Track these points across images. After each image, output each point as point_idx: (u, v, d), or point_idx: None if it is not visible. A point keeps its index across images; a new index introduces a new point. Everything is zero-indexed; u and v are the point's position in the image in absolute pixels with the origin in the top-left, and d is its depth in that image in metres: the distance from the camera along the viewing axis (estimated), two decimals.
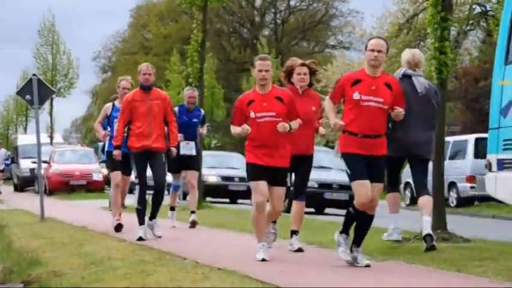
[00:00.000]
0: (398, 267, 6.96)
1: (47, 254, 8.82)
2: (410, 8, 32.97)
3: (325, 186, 18.30)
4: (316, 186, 18.08)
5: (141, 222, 9.57)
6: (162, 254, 7.90)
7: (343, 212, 7.19)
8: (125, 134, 9.74)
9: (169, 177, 11.38)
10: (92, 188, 26.51)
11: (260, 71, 7.53)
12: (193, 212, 11.62)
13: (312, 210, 18.37)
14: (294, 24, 59.48)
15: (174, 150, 9.81)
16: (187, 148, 11.70)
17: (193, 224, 11.37)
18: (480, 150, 21.66)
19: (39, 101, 14.43)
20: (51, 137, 33.88)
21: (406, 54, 8.67)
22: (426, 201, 8.10)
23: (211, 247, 8.68)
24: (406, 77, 8.35)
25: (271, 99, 7.44)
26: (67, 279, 6.85)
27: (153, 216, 9.93)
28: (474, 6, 31.79)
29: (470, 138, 22.01)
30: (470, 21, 32.29)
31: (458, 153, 22.01)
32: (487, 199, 18.58)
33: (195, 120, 12.00)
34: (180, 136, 10.81)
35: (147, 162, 9.56)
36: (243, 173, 9.96)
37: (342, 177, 16.28)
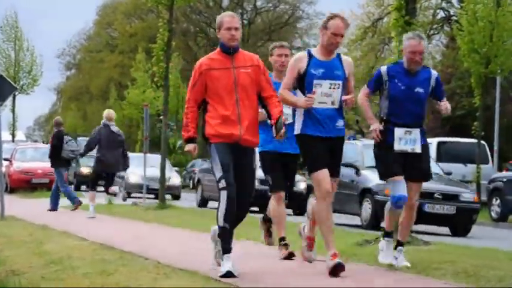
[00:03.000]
0: (360, 269, 7.01)
1: (5, 252, 8.71)
2: (375, 12, 33.26)
3: (425, 196, 13.66)
4: None
5: (228, 248, 6.38)
6: (123, 253, 7.86)
7: (445, 230, 6.32)
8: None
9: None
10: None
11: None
12: None
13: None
14: (260, 25, 59.62)
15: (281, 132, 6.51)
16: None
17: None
18: (442, 153, 21.93)
19: (0, 97, 14.25)
20: (13, 135, 33.51)
21: None
22: None
23: (174, 247, 8.66)
24: None
25: None
26: (26, 278, 6.78)
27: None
28: (438, 11, 32.20)
29: (433, 141, 22.26)
30: (434, 26, 32.69)
31: None
32: None
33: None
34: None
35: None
36: None
37: (446, 186, 14.68)
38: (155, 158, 28.52)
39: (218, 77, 6.50)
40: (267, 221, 8.01)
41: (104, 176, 14.43)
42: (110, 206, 17.49)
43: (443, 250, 8.27)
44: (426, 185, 7.74)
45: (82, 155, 15.54)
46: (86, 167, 29.87)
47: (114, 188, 14.85)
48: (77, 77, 68.28)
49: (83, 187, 30.61)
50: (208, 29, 61.27)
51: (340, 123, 6.65)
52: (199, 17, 60.83)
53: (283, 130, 6.49)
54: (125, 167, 14.91)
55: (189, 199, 23.92)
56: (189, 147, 6.63)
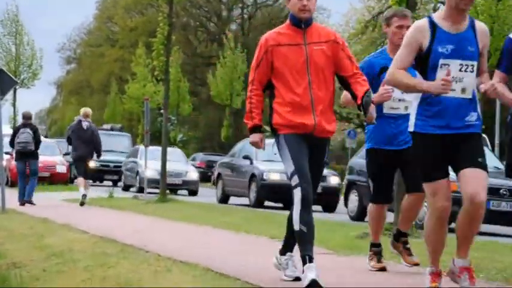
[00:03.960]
0: (360, 262, 7.01)
1: (6, 245, 8.73)
2: (375, 6, 33.24)
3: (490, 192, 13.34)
4: None
5: (309, 253, 5.35)
6: (124, 246, 7.87)
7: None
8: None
9: None
10: (55, 180, 26.26)
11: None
12: None
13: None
14: (260, 19, 59.55)
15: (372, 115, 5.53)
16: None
17: None
18: None
19: (1, 91, 14.27)
20: (13, 129, 33.50)
21: None
22: None
23: (174, 240, 8.67)
24: None
25: None
26: (27, 271, 6.79)
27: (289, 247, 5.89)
28: (438, 5, 32.17)
29: None
30: None
31: None
32: None
33: None
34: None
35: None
36: None
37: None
38: (171, 152, 27.84)
39: (287, 55, 5.43)
40: (399, 241, 6.60)
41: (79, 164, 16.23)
42: (111, 199, 17.51)
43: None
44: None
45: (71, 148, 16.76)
46: (91, 160, 30.06)
47: (83, 181, 16.03)
48: (77, 71, 68.31)
49: (89, 181, 30.53)
50: (208, 23, 61.23)
51: (472, 117, 5.16)
52: (199, 11, 60.78)
53: (372, 110, 5.45)
54: (98, 156, 16.45)
55: (207, 195, 22.91)
56: (254, 137, 5.55)
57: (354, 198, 15.41)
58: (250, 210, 15.09)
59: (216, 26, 59.63)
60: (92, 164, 29.67)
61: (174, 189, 24.32)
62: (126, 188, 26.36)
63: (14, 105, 33.10)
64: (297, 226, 5.35)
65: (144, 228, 10.37)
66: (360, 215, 14.85)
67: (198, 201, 19.42)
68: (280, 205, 18.49)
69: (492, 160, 7.09)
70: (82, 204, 15.07)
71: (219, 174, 20.27)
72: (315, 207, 17.37)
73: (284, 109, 5.45)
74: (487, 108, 25.04)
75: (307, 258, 5.28)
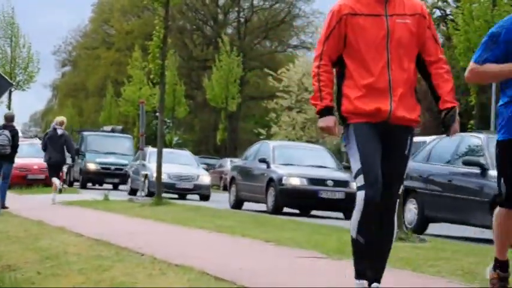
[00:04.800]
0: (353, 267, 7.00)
1: (1, 248, 8.70)
2: None
3: None
4: None
5: (360, 270, 4.68)
6: (119, 249, 7.85)
7: None
8: None
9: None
10: (50, 182, 26.20)
11: None
12: None
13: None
14: (257, 23, 59.64)
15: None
16: None
17: None
18: None
19: None
20: None
21: None
22: None
23: (170, 243, 8.66)
24: None
25: None
26: (21, 274, 6.78)
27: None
28: (434, 10, 32.24)
29: (429, 139, 22.27)
30: None
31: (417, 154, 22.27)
32: None
33: None
34: None
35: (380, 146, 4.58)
36: None
37: None
38: (182, 155, 26.06)
39: (364, 27, 4.53)
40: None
41: (54, 169, 17.47)
42: (106, 202, 17.49)
43: (439, 247, 8.30)
44: None
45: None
46: (92, 163, 29.40)
47: (56, 182, 17.28)
48: (72, 74, 68.30)
49: (89, 184, 29.73)
50: (204, 27, 61.27)
51: None
52: (195, 15, 60.85)
53: (456, 125, 4.60)
54: (72, 160, 18.13)
55: (220, 200, 21.20)
56: (326, 121, 4.55)
57: (412, 207, 12.87)
58: (246, 213, 15.08)
59: (212, 29, 59.68)
60: (93, 166, 29.47)
61: (183, 193, 23.32)
62: (133, 192, 23.99)
63: (9, 107, 33.03)
64: (353, 233, 4.54)
65: (139, 231, 10.35)
66: (420, 227, 12.40)
67: (195, 204, 19.40)
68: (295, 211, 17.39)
69: None
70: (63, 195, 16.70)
71: (232, 178, 19.03)
72: (336, 214, 16.00)
73: (356, 93, 4.53)
74: (485, 113, 25.07)
75: (359, 273, 4.59)
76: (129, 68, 44.71)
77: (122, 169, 28.34)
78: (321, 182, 16.58)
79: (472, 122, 21.46)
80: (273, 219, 12.25)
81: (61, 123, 17.49)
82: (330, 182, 16.53)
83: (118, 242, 8.44)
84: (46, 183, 25.88)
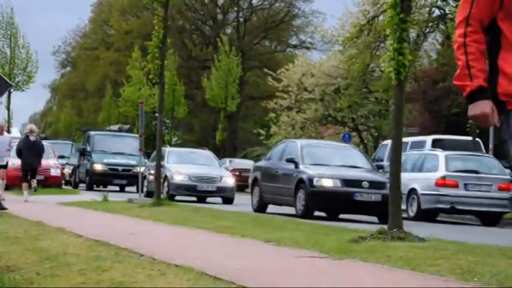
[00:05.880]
0: (354, 265, 7.01)
1: (0, 248, 8.70)
2: (370, 9, 33.28)
3: None
4: None
5: None
6: (119, 250, 7.85)
7: None
8: None
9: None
10: (49, 183, 26.21)
11: None
12: None
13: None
14: (256, 23, 59.63)
15: None
16: None
17: None
18: None
19: None
20: (8, 131, 33.45)
21: None
22: None
23: (169, 244, 8.66)
24: None
25: None
26: (21, 275, 6.77)
27: None
28: (433, 9, 32.25)
29: (428, 139, 22.28)
30: (430, 24, 32.74)
31: None
32: None
33: None
34: None
35: None
36: None
37: None
38: (203, 155, 24.15)
39: None
40: None
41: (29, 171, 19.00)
42: (106, 202, 17.49)
43: (438, 246, 8.29)
44: None
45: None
46: (99, 163, 28.35)
47: (33, 181, 19.10)
48: (72, 74, 68.28)
49: (95, 186, 28.81)
50: (203, 27, 61.26)
51: None
52: (194, 15, 60.85)
53: None
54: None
55: (244, 203, 20.11)
56: (480, 107, 3.37)
57: None
58: (245, 213, 15.05)
59: (211, 29, 59.66)
60: (100, 167, 28.93)
61: (205, 196, 21.83)
62: (149, 194, 22.17)
63: (8, 108, 33.05)
64: None
65: (139, 231, 10.35)
66: None
67: (195, 205, 19.41)
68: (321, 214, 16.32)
69: None
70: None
71: (255, 180, 17.80)
72: (370, 219, 15.71)
73: None
74: None
75: None
76: (128, 68, 44.73)
77: (130, 170, 27.33)
78: (356, 183, 15.39)
79: (471, 121, 21.44)
80: (273, 220, 12.25)
81: (31, 131, 19.07)
82: (365, 184, 15.39)
83: (117, 243, 8.44)
84: (45, 184, 25.91)
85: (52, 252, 7.87)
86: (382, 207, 14.15)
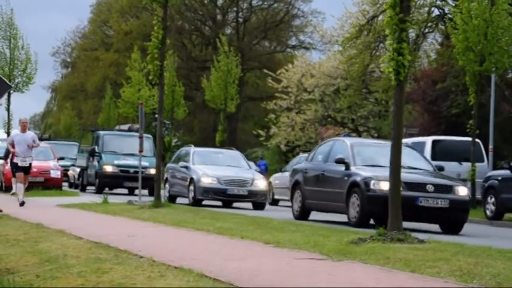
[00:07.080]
0: (354, 267, 7.01)
1: (0, 251, 8.70)
2: (370, 10, 33.27)
3: None
4: None
5: None
6: (118, 252, 7.85)
7: None
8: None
9: None
10: (49, 185, 26.21)
11: None
12: None
13: None
14: (255, 23, 59.62)
15: None
16: None
17: None
18: (437, 152, 21.96)
19: None
20: (8, 133, 33.44)
21: None
22: None
23: (168, 246, 8.66)
24: None
25: None
26: (21, 277, 6.78)
27: None
28: (432, 9, 32.25)
29: (428, 140, 22.28)
30: (429, 24, 32.75)
31: None
32: None
33: None
34: None
35: None
36: None
37: None
38: (231, 156, 22.17)
39: None
40: None
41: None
42: (105, 204, 17.48)
43: (437, 248, 8.29)
44: None
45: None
46: (109, 165, 27.18)
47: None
48: (72, 76, 68.25)
49: (107, 189, 26.54)
50: (203, 27, 61.25)
51: None
52: (194, 15, 60.83)
53: None
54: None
55: (278, 209, 19.25)
56: None
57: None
58: (244, 215, 15.02)
59: (210, 29, 59.65)
60: (110, 168, 28.18)
61: (233, 201, 19.89)
62: (172, 198, 20.99)
63: (8, 109, 33.04)
64: None
65: (139, 233, 10.35)
66: None
67: (194, 207, 19.38)
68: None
69: None
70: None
71: (296, 183, 15.83)
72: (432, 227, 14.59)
73: None
74: (484, 113, 25.10)
75: None
76: (128, 70, 44.71)
77: (142, 172, 26.52)
78: (419, 186, 13.43)
79: (471, 121, 21.45)
80: (272, 222, 12.24)
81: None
82: (430, 187, 13.43)
83: (117, 245, 8.44)
84: (45, 186, 25.91)
85: (52, 255, 7.87)
86: (449, 214, 13.16)
